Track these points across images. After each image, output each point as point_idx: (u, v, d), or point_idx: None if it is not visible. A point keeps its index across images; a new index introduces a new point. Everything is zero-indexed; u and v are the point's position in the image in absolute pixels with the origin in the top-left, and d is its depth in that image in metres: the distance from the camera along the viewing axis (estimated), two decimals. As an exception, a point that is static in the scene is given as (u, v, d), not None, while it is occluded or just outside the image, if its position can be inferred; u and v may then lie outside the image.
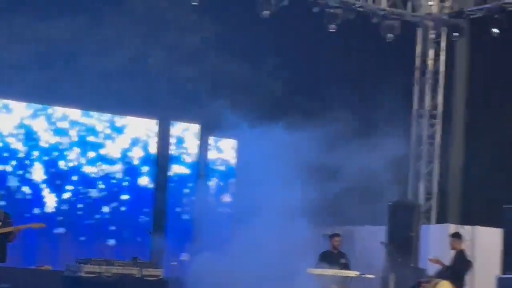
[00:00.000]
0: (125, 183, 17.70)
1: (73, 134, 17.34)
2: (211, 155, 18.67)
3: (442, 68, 19.41)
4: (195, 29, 22.77)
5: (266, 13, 17.43)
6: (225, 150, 18.85)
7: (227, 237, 16.83)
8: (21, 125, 16.96)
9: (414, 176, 19.22)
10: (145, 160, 17.95)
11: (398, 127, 16.84)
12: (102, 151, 17.53)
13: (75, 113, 17.47)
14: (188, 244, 17.53)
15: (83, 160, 17.35)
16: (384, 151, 16.24)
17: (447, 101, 20.82)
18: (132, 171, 17.81)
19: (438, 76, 19.40)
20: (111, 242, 17.33)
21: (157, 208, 17.81)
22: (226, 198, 18.57)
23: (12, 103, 17.05)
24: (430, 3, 19.20)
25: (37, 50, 21.79)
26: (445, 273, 15.73)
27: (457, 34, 18.65)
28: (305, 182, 15.65)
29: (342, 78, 22.02)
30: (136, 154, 17.86)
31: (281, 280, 15.22)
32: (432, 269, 17.04)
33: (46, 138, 17.13)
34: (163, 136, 18.05)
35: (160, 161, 17.97)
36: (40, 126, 17.11)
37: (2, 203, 12.50)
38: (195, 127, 18.47)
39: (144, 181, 17.89)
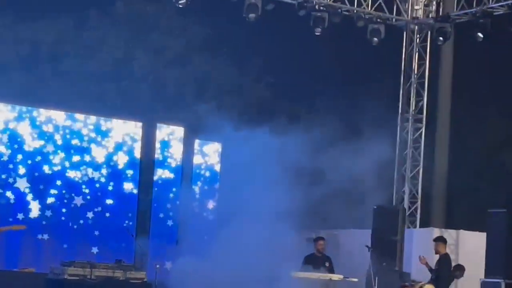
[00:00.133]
0: (110, 187, 17.61)
1: (58, 137, 17.23)
2: (196, 159, 18.62)
3: (427, 72, 19.45)
4: (180, 32, 22.78)
5: (252, 16, 17.40)
6: (210, 155, 18.80)
7: (211, 241, 16.80)
8: (5, 129, 16.84)
9: (399, 180, 19.24)
10: (130, 164, 17.87)
11: (383, 131, 16.86)
12: (87, 155, 17.43)
13: (59, 116, 17.35)
14: (172, 247, 17.46)
15: (67, 164, 17.25)
16: (369, 155, 16.26)
17: (432, 106, 20.88)
18: (116, 175, 17.72)
19: (423, 81, 19.44)
20: (95, 247, 17.21)
21: (141, 212, 17.76)
22: (210, 204, 18.53)
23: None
24: (415, 7, 19.24)
25: (21, 52, 21.75)
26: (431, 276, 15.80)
27: (442, 38, 18.68)
28: (290, 186, 15.64)
29: (328, 82, 22.08)
30: (121, 158, 17.78)
31: (265, 284, 15.22)
32: (416, 272, 17.09)
33: (30, 142, 17.00)
34: (148, 140, 17.99)
35: (145, 165, 17.91)
36: (24, 129, 16.99)
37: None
38: (180, 132, 18.42)
39: (129, 185, 17.81)
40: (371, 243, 16.48)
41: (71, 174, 17.28)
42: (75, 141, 17.37)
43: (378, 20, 18.68)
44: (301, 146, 15.87)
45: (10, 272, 16.15)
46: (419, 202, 19.18)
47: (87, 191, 17.40)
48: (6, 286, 15.39)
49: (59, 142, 17.24)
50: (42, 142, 17.10)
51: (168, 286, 15.72)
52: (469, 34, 18.10)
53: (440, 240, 16.14)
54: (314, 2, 18.00)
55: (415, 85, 19.45)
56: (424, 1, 19.23)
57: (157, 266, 15.36)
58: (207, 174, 18.72)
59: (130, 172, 17.80)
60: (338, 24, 18.29)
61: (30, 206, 16.91)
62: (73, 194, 17.31)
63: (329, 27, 18.13)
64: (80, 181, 17.36)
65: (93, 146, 17.50)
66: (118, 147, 17.77)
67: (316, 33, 18.07)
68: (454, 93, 22.24)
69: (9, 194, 16.69)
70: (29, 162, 16.97)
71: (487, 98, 23.33)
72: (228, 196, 17.29)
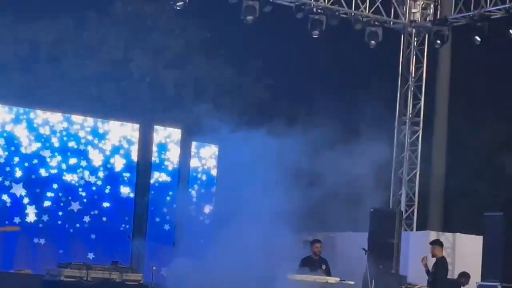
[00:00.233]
0: (107, 191, 17.57)
1: (55, 140, 17.17)
2: (193, 163, 18.59)
3: (424, 75, 19.46)
4: (178, 33, 22.79)
5: (250, 18, 17.41)
6: (207, 158, 18.78)
7: (208, 243, 16.80)
8: (2, 131, 16.78)
9: (396, 182, 19.26)
10: (127, 167, 17.82)
11: (381, 133, 16.86)
12: (84, 158, 17.38)
13: (56, 118, 17.29)
14: (169, 250, 17.43)
15: (64, 167, 17.20)
16: (367, 158, 16.26)
17: (430, 109, 20.89)
18: (113, 178, 17.67)
19: (421, 84, 19.45)
20: (91, 253, 17.14)
21: (138, 214, 17.73)
22: (207, 209, 18.52)
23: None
24: (413, 10, 19.26)
25: (20, 53, 21.76)
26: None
27: (440, 41, 18.70)
28: (288, 188, 15.64)
29: (326, 84, 22.10)
30: (118, 161, 17.73)
31: (262, 286, 15.21)
32: (413, 275, 17.11)
33: (27, 144, 16.95)
34: (145, 143, 17.97)
35: (142, 168, 17.88)
36: (21, 132, 16.92)
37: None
38: (177, 134, 18.38)
39: (126, 188, 17.77)
40: (368, 246, 16.48)
41: (68, 177, 17.23)
42: (72, 144, 17.32)
43: (376, 23, 18.70)
44: (298, 148, 15.87)
45: (6, 273, 16.12)
46: (416, 205, 19.20)
47: (83, 194, 17.35)
48: (2, 288, 15.40)
49: (56, 144, 17.18)
50: (39, 145, 17.04)
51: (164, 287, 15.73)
52: (467, 37, 18.13)
53: (437, 243, 16.14)
54: (312, 4, 18.02)
55: (412, 88, 19.47)
56: (422, 4, 19.26)
57: (154, 268, 15.36)
58: (204, 177, 18.69)
59: (127, 175, 17.76)
60: (336, 27, 18.31)
61: (26, 211, 16.81)
62: (70, 198, 17.25)
63: (327, 30, 18.15)
64: (77, 184, 17.31)
65: (90, 148, 17.46)
66: (115, 150, 17.72)
67: (314, 36, 18.09)
68: (451, 96, 22.27)
69: (5, 197, 16.63)
70: (26, 164, 16.91)
71: (485, 101, 23.36)
72: (225, 198, 17.28)
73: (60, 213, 17.13)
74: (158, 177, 18.13)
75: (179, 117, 20.56)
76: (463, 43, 18.79)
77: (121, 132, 17.80)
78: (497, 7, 17.75)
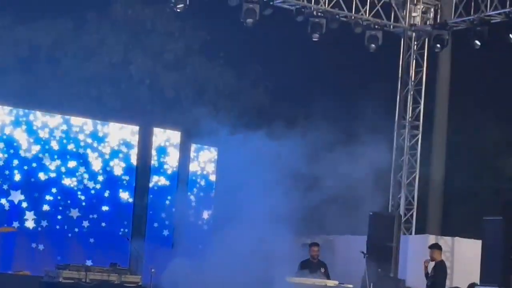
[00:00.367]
0: (106, 194, 17.54)
1: (54, 143, 17.14)
2: (192, 167, 18.57)
3: (424, 79, 19.47)
4: (178, 36, 22.79)
5: (249, 21, 17.41)
6: (206, 162, 18.75)
7: (207, 246, 16.78)
8: (1, 134, 16.74)
9: (395, 186, 19.25)
10: (126, 170, 17.79)
11: (380, 137, 16.87)
12: (83, 161, 17.34)
13: (56, 121, 17.26)
14: (167, 254, 17.38)
15: (63, 170, 17.17)
16: (366, 161, 16.27)
17: (429, 113, 20.89)
18: (112, 182, 17.63)
19: (420, 87, 19.46)
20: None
21: (137, 216, 17.71)
22: (205, 214, 18.50)
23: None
24: (413, 14, 19.27)
25: (19, 54, 21.76)
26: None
27: (439, 45, 18.71)
28: (287, 191, 15.64)
29: (325, 87, 22.09)
30: (117, 165, 17.70)
31: (260, 289, 15.23)
32: (412, 279, 17.09)
33: (26, 147, 16.90)
34: (144, 146, 17.95)
35: (141, 171, 17.85)
36: (20, 134, 16.88)
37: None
38: (176, 137, 18.36)
39: (125, 192, 17.74)
40: (367, 249, 16.48)
41: (67, 181, 17.19)
42: (71, 147, 17.29)
43: (376, 26, 18.70)
44: (297, 152, 15.87)
45: (5, 275, 16.10)
46: (415, 209, 19.19)
47: (82, 197, 17.31)
48: (1, 289, 15.38)
49: (55, 148, 17.14)
50: (38, 148, 17.00)
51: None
52: (467, 41, 18.13)
53: (436, 247, 16.13)
54: (312, 8, 18.03)
55: (412, 92, 19.47)
56: (422, 8, 19.26)
57: (153, 270, 15.34)
58: (203, 183, 18.66)
59: (126, 178, 17.73)
60: (336, 30, 18.31)
61: (25, 217, 16.76)
62: (68, 201, 17.20)
63: (327, 33, 18.15)
64: (76, 188, 17.28)
65: (89, 152, 17.43)
66: (115, 153, 17.69)
67: (314, 39, 18.10)
68: (451, 100, 22.28)
69: (3, 201, 16.59)
70: (25, 168, 16.87)
71: (484, 105, 23.36)
72: (224, 200, 17.28)
73: (59, 217, 17.09)
74: (157, 180, 18.10)
75: (179, 120, 20.56)
76: (463, 47, 18.79)
77: (121, 135, 17.77)
78: (497, 12, 17.76)
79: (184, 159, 18.30)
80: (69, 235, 17.14)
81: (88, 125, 17.52)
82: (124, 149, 17.75)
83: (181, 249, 16.96)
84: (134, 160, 17.79)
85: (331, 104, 17.78)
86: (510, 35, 17.49)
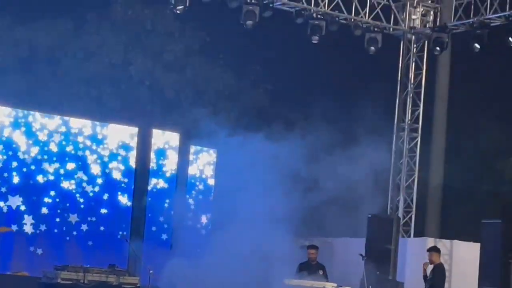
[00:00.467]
0: (104, 196, 17.51)
1: (53, 145, 17.12)
2: (191, 170, 18.55)
3: (423, 82, 19.48)
4: (178, 37, 22.79)
5: (249, 23, 17.42)
6: (204, 165, 18.74)
7: (205, 247, 16.77)
8: (0, 136, 16.72)
9: (394, 189, 19.26)
10: (125, 172, 17.77)
11: (379, 140, 16.88)
12: (81, 163, 17.32)
13: (55, 123, 17.23)
14: (165, 255, 17.37)
15: (62, 171, 17.14)
16: (365, 164, 16.27)
17: (428, 115, 20.90)
18: (111, 184, 17.61)
19: (420, 90, 19.47)
20: (89, 256, 17.06)
21: (135, 218, 17.70)
22: (204, 218, 18.49)
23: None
24: (413, 17, 19.28)
25: (19, 55, 21.75)
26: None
27: (439, 48, 18.72)
28: (286, 193, 15.64)
29: (325, 89, 22.10)
30: (116, 167, 17.68)
31: (259, 291, 15.23)
32: (410, 281, 17.10)
33: (25, 149, 16.87)
34: (143, 148, 17.93)
35: (139, 174, 17.84)
36: (19, 136, 16.85)
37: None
38: (175, 140, 18.35)
39: (123, 194, 17.72)
40: (365, 252, 16.49)
41: (65, 183, 17.17)
42: (69, 149, 17.26)
43: (376, 29, 18.71)
44: (296, 154, 15.87)
45: (3, 275, 16.09)
46: (413, 212, 19.20)
47: (81, 200, 17.30)
48: (0, 290, 15.38)
49: (54, 150, 17.12)
50: (36, 150, 16.98)
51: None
52: (466, 44, 18.15)
53: (434, 250, 16.15)
54: (312, 10, 18.04)
55: (411, 95, 19.48)
56: (422, 11, 19.28)
57: (151, 271, 15.33)
58: (201, 186, 18.65)
59: (124, 181, 17.71)
60: (336, 33, 18.32)
61: (24, 221, 16.73)
62: (67, 204, 17.18)
63: (327, 35, 18.16)
64: (74, 191, 17.26)
65: (88, 154, 17.41)
66: (113, 155, 17.67)
67: (313, 41, 18.11)
68: (450, 103, 22.29)
69: (1, 204, 16.56)
70: (24, 170, 16.85)
71: (483, 108, 23.38)
72: (223, 202, 17.27)
73: (58, 220, 17.07)
74: (156, 183, 18.08)
75: (178, 121, 20.57)
76: (463, 50, 18.81)
77: (120, 137, 17.76)
78: (497, 15, 17.78)
79: (183, 161, 18.28)
80: (67, 238, 17.13)
81: (87, 127, 17.49)
82: (122, 152, 17.73)
83: (179, 252, 16.95)
84: (133, 163, 17.77)
85: (331, 106, 17.80)
86: (510, 38, 17.51)
